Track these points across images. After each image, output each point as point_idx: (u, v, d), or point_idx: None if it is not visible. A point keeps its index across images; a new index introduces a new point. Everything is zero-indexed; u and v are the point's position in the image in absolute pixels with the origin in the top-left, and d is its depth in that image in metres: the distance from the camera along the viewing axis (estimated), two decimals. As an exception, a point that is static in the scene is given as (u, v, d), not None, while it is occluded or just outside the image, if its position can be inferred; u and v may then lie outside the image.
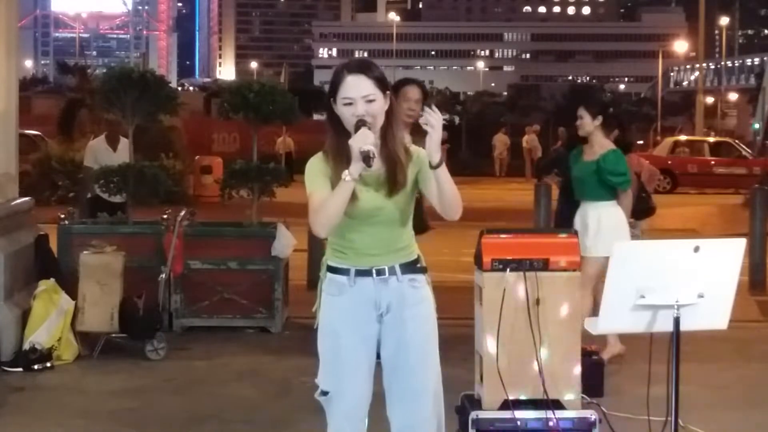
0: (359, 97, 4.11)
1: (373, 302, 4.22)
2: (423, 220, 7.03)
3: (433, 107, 4.05)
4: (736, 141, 36.41)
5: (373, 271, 4.20)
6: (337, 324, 4.24)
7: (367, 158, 3.97)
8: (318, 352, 4.31)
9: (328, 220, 4.09)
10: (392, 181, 4.15)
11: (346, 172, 4.02)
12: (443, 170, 4.06)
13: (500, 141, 39.25)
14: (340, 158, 4.09)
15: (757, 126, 38.21)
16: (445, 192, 4.09)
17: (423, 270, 4.30)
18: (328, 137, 4.23)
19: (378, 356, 4.31)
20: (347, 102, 4.13)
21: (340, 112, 4.16)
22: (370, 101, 4.12)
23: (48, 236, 9.25)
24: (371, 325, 4.24)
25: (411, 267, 4.26)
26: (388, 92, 4.18)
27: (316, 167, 4.20)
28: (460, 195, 4.14)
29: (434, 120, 4.00)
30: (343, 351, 4.22)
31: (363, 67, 4.18)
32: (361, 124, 4.06)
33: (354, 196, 4.09)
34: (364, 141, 3.99)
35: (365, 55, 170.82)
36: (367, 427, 4.32)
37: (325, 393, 4.26)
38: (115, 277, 8.48)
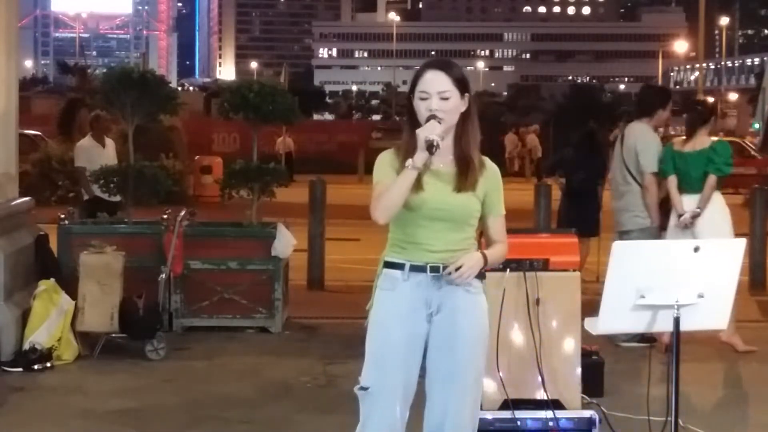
0: (435, 92, 4.17)
1: (424, 300, 4.21)
2: None
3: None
4: (745, 141, 36.19)
5: (428, 268, 4.20)
6: (387, 319, 4.23)
7: (430, 146, 4.04)
8: (365, 349, 4.29)
9: (387, 207, 4.12)
10: (462, 179, 4.19)
11: (410, 160, 4.08)
12: (490, 263, 4.25)
13: (510, 141, 39.46)
14: (412, 152, 4.13)
15: (757, 126, 38.13)
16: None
17: (481, 276, 4.28)
18: (403, 133, 4.28)
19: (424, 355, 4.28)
20: (423, 96, 4.19)
21: (416, 106, 4.21)
22: (445, 98, 4.17)
23: (48, 236, 9.25)
24: (420, 324, 4.23)
25: None
26: (467, 94, 4.23)
27: (385, 160, 4.25)
28: (506, 251, 4.35)
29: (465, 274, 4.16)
30: (389, 345, 4.21)
31: (443, 65, 4.26)
32: (431, 117, 4.13)
33: (420, 187, 4.14)
34: (431, 131, 4.07)
35: (365, 55, 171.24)
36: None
37: (364, 388, 4.24)
38: (115, 277, 8.48)
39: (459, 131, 4.22)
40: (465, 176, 4.19)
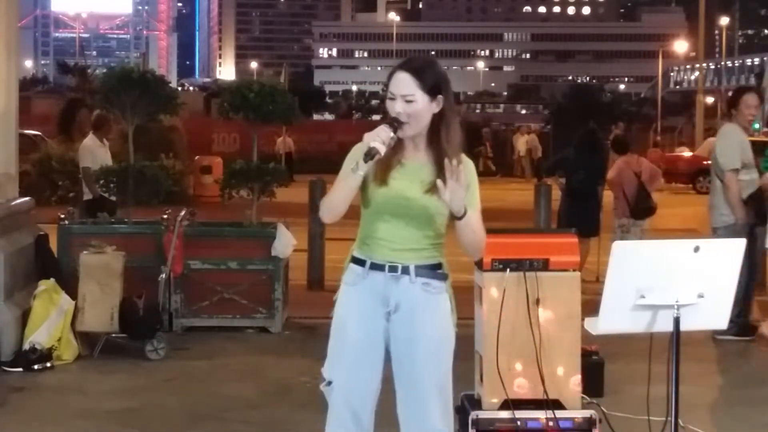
0: (399, 94, 4.14)
1: (382, 298, 4.21)
2: None
3: (461, 167, 4.04)
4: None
5: (387, 266, 4.19)
6: (345, 313, 4.27)
7: (368, 153, 4.00)
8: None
9: (330, 208, 4.13)
10: (432, 179, 4.11)
11: (356, 163, 4.05)
12: (466, 221, 4.08)
13: (519, 141, 39.03)
14: (388, 149, 4.10)
15: (757, 126, 38.07)
16: (467, 241, 4.15)
17: (442, 277, 4.25)
18: None
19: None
20: (390, 97, 4.17)
21: (387, 105, 4.20)
22: (409, 101, 4.13)
23: (48, 236, 9.25)
24: (377, 321, 4.23)
25: (428, 270, 4.21)
26: (439, 96, 4.17)
27: (355, 153, 4.21)
28: (484, 240, 4.21)
29: (462, 179, 4.01)
30: (347, 341, 4.24)
31: (413, 68, 4.20)
32: (390, 120, 4.10)
33: (385, 182, 4.12)
34: (374, 137, 4.03)
35: (365, 55, 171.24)
36: (373, 423, 4.31)
37: (329, 383, 4.27)
38: (115, 277, 8.48)
39: (432, 133, 4.17)
40: (440, 178, 4.10)
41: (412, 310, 4.20)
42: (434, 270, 4.23)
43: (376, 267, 4.20)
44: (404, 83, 4.14)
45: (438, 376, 4.22)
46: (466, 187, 4.03)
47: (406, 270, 4.19)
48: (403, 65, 4.22)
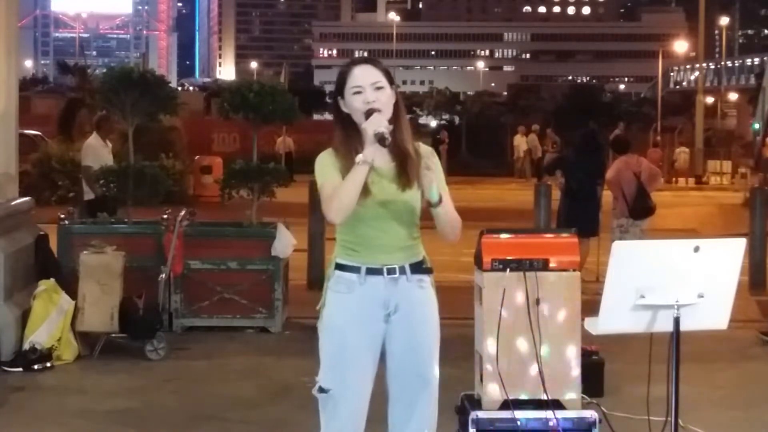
0: (368, 84, 4.15)
1: (382, 301, 4.20)
2: None
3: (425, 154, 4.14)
4: None
5: (384, 270, 4.19)
6: (345, 322, 4.21)
7: (382, 139, 4.01)
8: (319, 349, 4.28)
9: (342, 205, 4.07)
10: (404, 175, 4.15)
11: (360, 156, 4.04)
12: (443, 205, 4.13)
13: (519, 142, 38.78)
14: (351, 152, 4.11)
15: (757, 126, 38.03)
16: (446, 225, 4.19)
17: (430, 271, 4.30)
18: (336, 136, 4.24)
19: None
20: (357, 90, 4.16)
21: (350, 103, 4.17)
22: (379, 88, 4.15)
23: (48, 236, 9.25)
24: (378, 325, 4.22)
25: (419, 267, 4.25)
26: (394, 85, 4.22)
27: (327, 160, 4.20)
28: (460, 220, 4.23)
29: (432, 165, 4.08)
30: (349, 349, 4.20)
31: (369, 60, 4.27)
32: (372, 111, 4.10)
33: (366, 190, 4.10)
34: (378, 124, 4.04)
35: (365, 55, 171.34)
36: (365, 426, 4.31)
37: (324, 390, 4.23)
38: (115, 277, 8.48)
39: (392, 125, 4.16)
40: (406, 172, 4.14)
41: (411, 308, 4.22)
42: (422, 265, 4.27)
43: (373, 272, 4.19)
44: (369, 73, 4.17)
45: (436, 366, 4.26)
46: (437, 172, 4.08)
47: (402, 270, 4.21)
48: (355, 62, 4.24)
